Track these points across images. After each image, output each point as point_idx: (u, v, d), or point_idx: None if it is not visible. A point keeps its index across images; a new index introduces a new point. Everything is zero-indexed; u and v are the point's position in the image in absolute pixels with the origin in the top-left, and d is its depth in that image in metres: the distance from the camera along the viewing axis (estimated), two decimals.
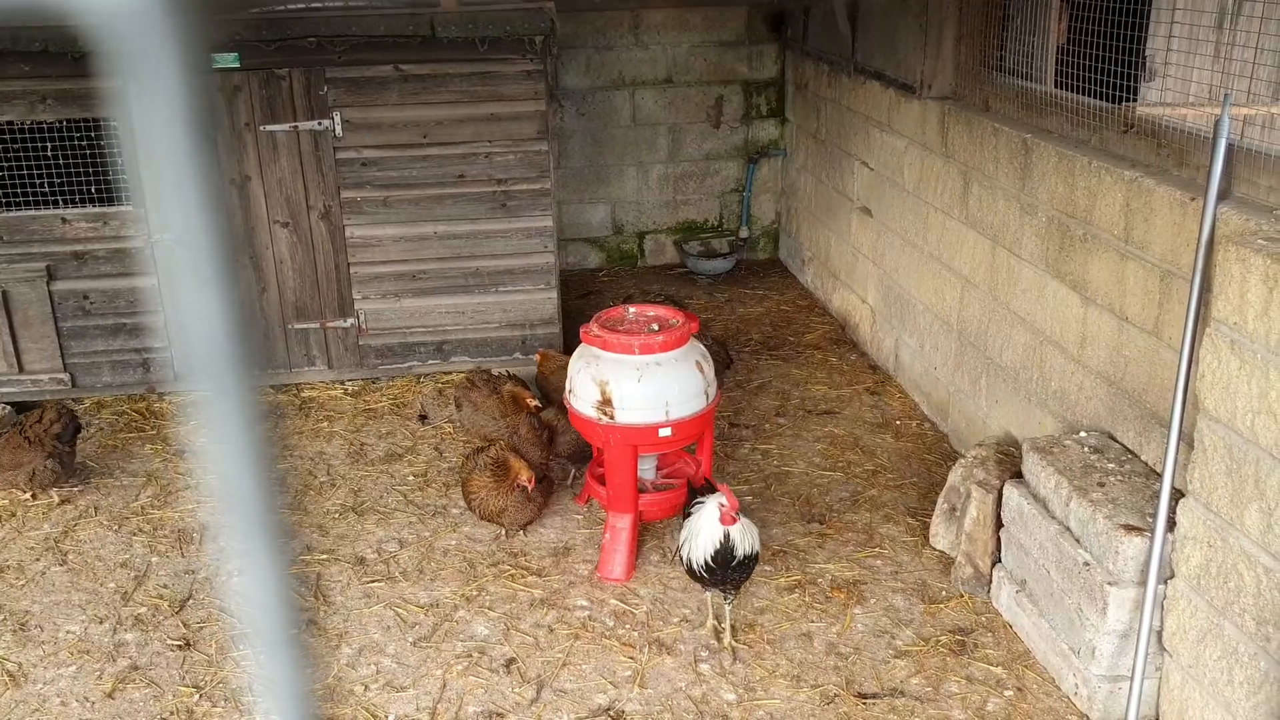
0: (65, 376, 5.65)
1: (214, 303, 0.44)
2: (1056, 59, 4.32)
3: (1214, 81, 3.43)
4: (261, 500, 0.46)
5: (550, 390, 5.17)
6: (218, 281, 0.44)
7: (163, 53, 0.39)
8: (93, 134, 5.36)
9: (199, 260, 0.43)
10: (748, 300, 7.28)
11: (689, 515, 3.84)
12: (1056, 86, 4.30)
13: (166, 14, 0.37)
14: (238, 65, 5.28)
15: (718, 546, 3.61)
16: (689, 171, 7.82)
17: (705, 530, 3.66)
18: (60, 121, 5.32)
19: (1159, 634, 3.29)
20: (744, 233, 7.94)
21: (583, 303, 6.99)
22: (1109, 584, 3.25)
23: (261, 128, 5.43)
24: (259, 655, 0.50)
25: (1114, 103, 3.80)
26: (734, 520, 3.60)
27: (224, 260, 0.44)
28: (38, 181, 5.41)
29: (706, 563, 3.64)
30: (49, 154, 5.37)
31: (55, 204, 5.45)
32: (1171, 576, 3.22)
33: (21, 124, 5.31)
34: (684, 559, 3.76)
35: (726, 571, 3.65)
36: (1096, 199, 3.84)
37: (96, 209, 5.47)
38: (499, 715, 3.50)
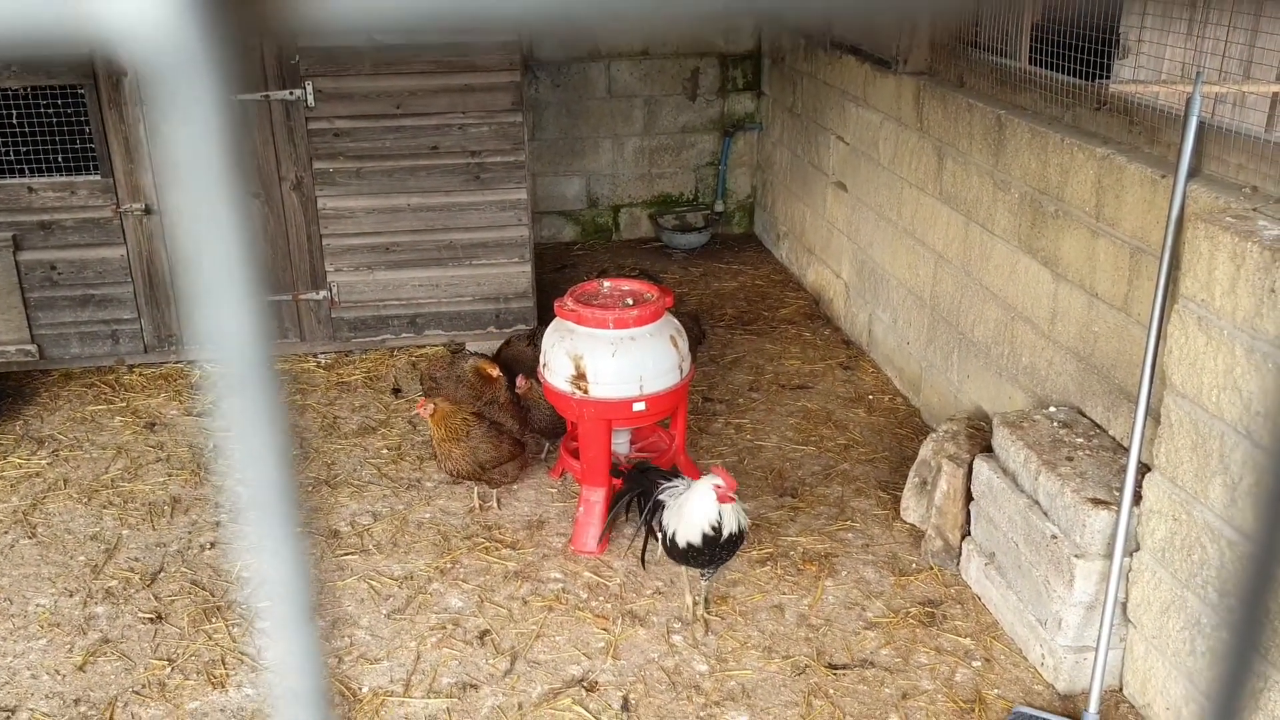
0: (33, 348, 5.59)
1: (238, 281, 0.45)
2: (1031, 35, 4.34)
3: (1186, 59, 3.45)
4: (282, 474, 0.47)
5: (511, 365, 5.14)
6: (243, 262, 0.45)
7: (196, 68, 0.39)
8: (60, 102, 5.28)
9: (223, 242, 0.45)
10: (722, 275, 7.28)
11: (652, 501, 3.82)
12: (1031, 63, 4.32)
13: (200, 37, 0.38)
14: None
15: (714, 524, 3.55)
16: (664, 144, 7.80)
17: (699, 509, 3.59)
18: (25, 89, 5.24)
19: (1124, 606, 3.34)
20: (719, 207, 7.93)
21: (557, 276, 6.97)
22: (1076, 556, 3.30)
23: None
24: (274, 629, 0.50)
25: (1087, 80, 3.82)
26: (732, 499, 3.57)
27: (249, 242, 0.45)
28: (3, 150, 5.32)
29: (696, 543, 3.58)
30: (14, 122, 5.28)
31: (21, 173, 5.37)
32: (1137, 549, 3.27)
33: None
34: (667, 539, 3.71)
35: (715, 550, 3.63)
36: (1068, 176, 3.86)
37: (64, 178, 5.40)
38: (473, 686, 3.51)
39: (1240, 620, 0.46)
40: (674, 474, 3.94)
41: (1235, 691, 0.47)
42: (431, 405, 4.29)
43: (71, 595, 3.96)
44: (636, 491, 3.93)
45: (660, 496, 3.83)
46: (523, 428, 4.57)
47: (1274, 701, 2.77)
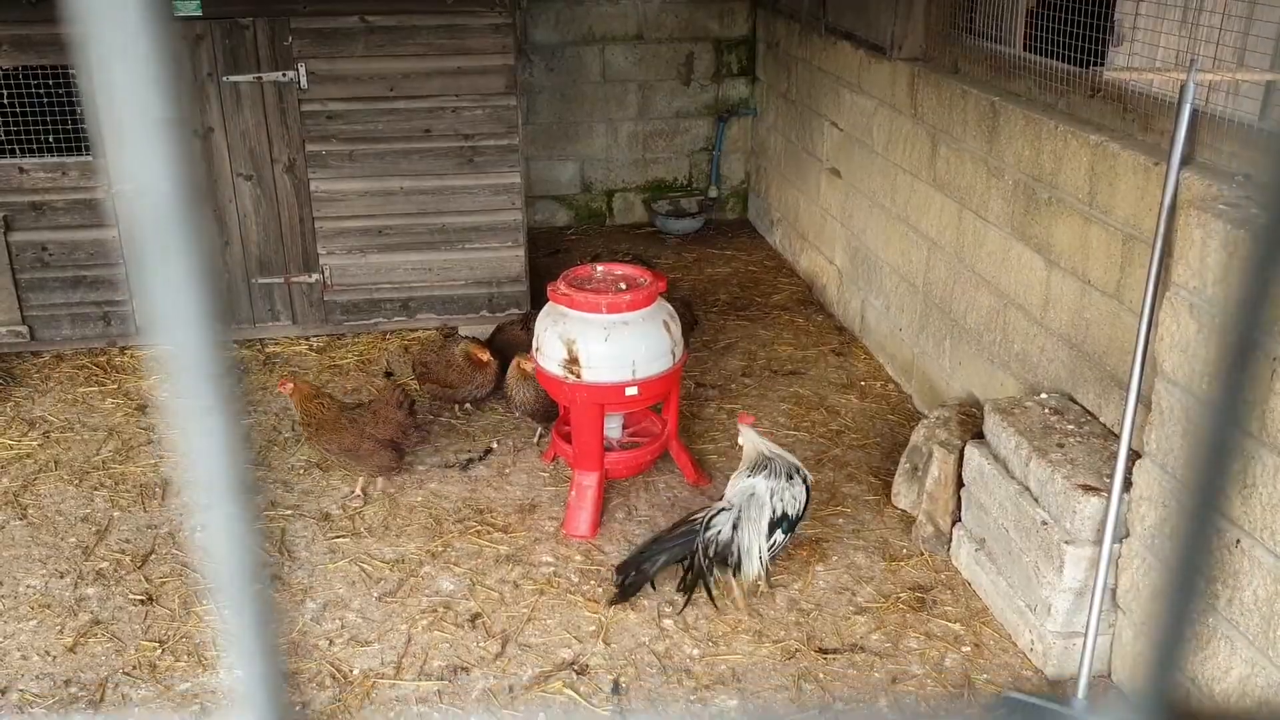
0: (24, 329, 5.57)
1: (178, 254, 0.44)
2: (1026, 22, 4.33)
3: (1181, 47, 3.45)
4: (227, 456, 0.46)
5: (504, 350, 5.13)
6: (182, 232, 0.43)
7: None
8: (51, 81, 5.24)
9: (162, 210, 0.43)
10: (716, 260, 7.28)
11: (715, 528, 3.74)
12: (1025, 50, 4.31)
13: None
14: (199, 13, 5.18)
15: None
16: (659, 129, 7.78)
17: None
18: (16, 68, 5.20)
19: (1113, 592, 3.36)
20: (713, 192, 7.92)
21: (550, 261, 6.96)
22: (1066, 543, 3.31)
23: (224, 78, 5.34)
24: (223, 611, 0.50)
25: (1082, 67, 3.81)
26: None
27: (188, 210, 0.43)
28: None
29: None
30: (5, 102, 5.25)
31: (12, 153, 5.33)
32: (1126, 535, 3.28)
33: None
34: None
35: None
36: (1062, 163, 3.86)
37: (55, 159, 5.37)
38: (464, 669, 3.52)
39: (1181, 560, 0.47)
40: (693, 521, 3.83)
41: (1178, 637, 0.48)
42: (291, 384, 4.31)
43: (62, 576, 3.96)
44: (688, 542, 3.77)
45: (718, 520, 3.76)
46: (409, 419, 4.49)
47: (1220, 653, 2.79)
